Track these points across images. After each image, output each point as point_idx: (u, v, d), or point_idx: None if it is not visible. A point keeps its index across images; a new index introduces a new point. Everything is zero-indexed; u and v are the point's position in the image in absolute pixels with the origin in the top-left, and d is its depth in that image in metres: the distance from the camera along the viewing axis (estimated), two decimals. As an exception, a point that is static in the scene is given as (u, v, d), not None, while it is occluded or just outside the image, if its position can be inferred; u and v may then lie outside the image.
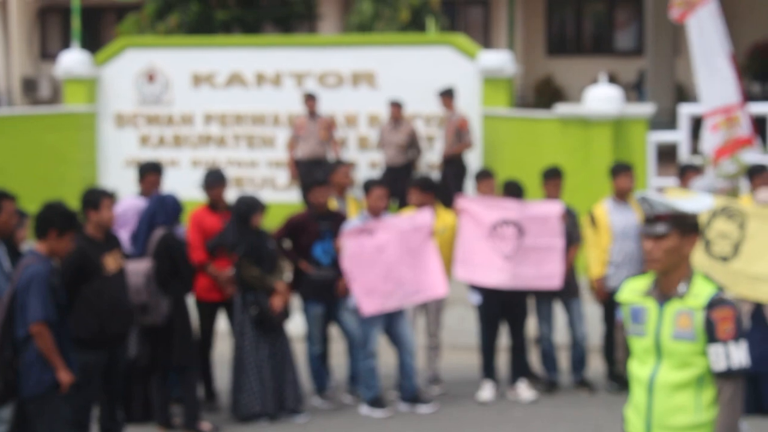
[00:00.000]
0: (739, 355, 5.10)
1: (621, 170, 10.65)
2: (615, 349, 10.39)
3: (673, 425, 5.17)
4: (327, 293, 10.24)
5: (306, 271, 10.22)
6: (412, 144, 15.44)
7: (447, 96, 15.23)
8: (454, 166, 15.21)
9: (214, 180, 10.24)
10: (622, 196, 10.61)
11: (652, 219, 5.22)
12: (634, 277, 5.58)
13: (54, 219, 7.67)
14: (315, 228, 10.21)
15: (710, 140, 12.34)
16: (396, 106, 15.32)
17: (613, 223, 10.50)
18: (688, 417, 5.15)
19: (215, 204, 10.21)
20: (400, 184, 14.38)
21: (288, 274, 10.14)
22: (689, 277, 5.23)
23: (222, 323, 10.42)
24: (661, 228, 5.17)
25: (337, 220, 10.27)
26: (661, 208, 5.19)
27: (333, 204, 10.64)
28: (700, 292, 5.18)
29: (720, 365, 5.10)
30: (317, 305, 10.30)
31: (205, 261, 9.98)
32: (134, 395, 9.72)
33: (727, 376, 5.10)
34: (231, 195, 10.60)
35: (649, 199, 5.21)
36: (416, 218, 10.26)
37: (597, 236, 10.54)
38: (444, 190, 13.30)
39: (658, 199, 5.20)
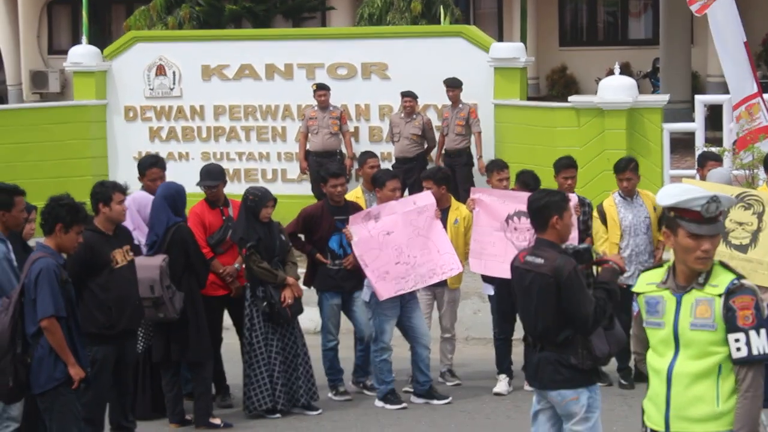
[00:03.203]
0: (760, 342, 5.07)
1: (619, 170, 10.53)
2: (630, 342, 10.32)
3: (692, 416, 5.14)
4: (343, 285, 10.14)
5: (322, 262, 10.14)
6: (425, 135, 15.35)
7: (459, 86, 15.11)
8: (463, 156, 15.11)
9: (213, 176, 10.11)
10: (625, 193, 10.50)
11: (714, 218, 5.11)
12: (647, 269, 5.47)
13: (60, 213, 7.61)
14: (330, 220, 10.13)
15: (735, 130, 12.33)
16: (410, 98, 15.22)
17: (622, 218, 10.41)
18: (708, 407, 5.12)
19: (215, 200, 10.09)
20: (412, 176, 14.36)
21: (295, 268, 10.01)
22: (708, 267, 5.16)
23: (226, 318, 10.32)
24: (721, 226, 5.10)
25: (352, 211, 10.18)
26: (728, 205, 5.13)
27: (356, 195, 10.57)
28: (719, 281, 5.14)
29: (741, 353, 5.07)
30: (334, 297, 10.23)
31: (208, 257, 9.86)
32: (144, 390, 9.65)
33: (748, 363, 5.07)
34: (241, 188, 10.51)
35: (721, 198, 5.10)
36: (418, 200, 10.20)
37: (607, 230, 10.44)
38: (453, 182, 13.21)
39: (726, 196, 5.11)
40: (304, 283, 10.46)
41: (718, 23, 12.22)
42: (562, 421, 6.86)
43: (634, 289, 5.42)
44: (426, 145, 15.39)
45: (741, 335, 5.05)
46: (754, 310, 5.05)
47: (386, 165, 14.68)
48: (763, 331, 5.07)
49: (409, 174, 14.46)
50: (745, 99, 12.17)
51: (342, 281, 10.17)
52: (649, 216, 10.40)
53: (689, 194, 5.08)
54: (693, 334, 5.11)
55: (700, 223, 5.09)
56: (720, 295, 5.09)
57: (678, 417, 5.15)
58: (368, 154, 11.31)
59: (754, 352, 5.04)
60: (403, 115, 15.35)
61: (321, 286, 10.29)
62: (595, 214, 10.55)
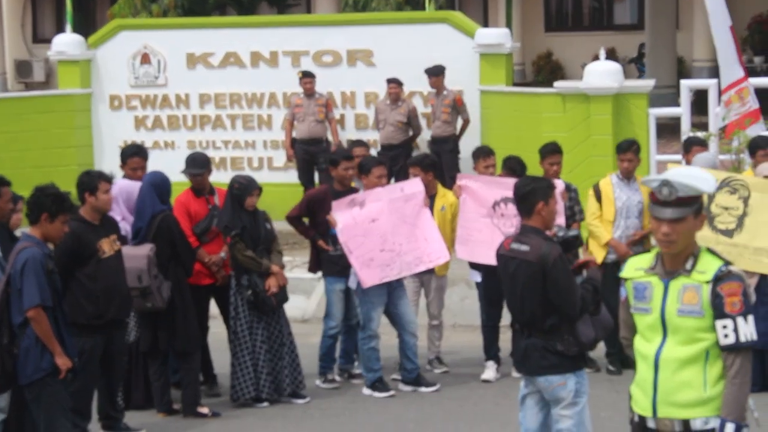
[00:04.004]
0: (747, 329, 5.06)
1: (621, 150, 10.56)
2: (618, 327, 10.32)
3: (679, 401, 5.13)
4: (347, 270, 10.12)
5: (324, 248, 10.12)
6: (410, 122, 15.33)
7: (439, 74, 15.08)
8: (449, 143, 15.10)
9: (198, 164, 10.06)
10: (625, 174, 10.51)
11: (671, 202, 5.08)
12: (636, 254, 5.48)
13: (45, 203, 7.59)
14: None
15: (721, 115, 12.37)
16: (395, 84, 15.20)
17: (616, 198, 10.42)
18: (695, 393, 5.11)
19: (200, 188, 10.05)
20: (397, 163, 14.34)
21: (281, 257, 9.99)
22: (696, 254, 5.16)
23: (212, 307, 10.29)
24: (681, 211, 5.05)
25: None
26: (687, 191, 5.05)
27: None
28: (706, 267, 5.12)
29: (728, 339, 5.06)
30: (338, 282, 10.21)
31: (194, 246, 9.82)
32: (134, 380, 9.63)
33: (735, 350, 5.07)
34: (227, 176, 10.47)
35: (673, 182, 5.06)
36: (406, 186, 10.18)
37: (601, 210, 10.46)
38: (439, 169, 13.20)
39: (684, 182, 5.05)
40: (309, 270, 10.48)
41: (712, 9, 12.26)
42: (549, 405, 6.89)
43: (622, 275, 5.41)
44: (411, 132, 15.38)
45: (728, 322, 5.04)
46: (741, 297, 5.05)
47: (372, 152, 14.68)
48: (750, 317, 5.07)
49: (394, 161, 14.45)
50: (734, 83, 12.21)
51: (345, 266, 10.11)
52: (643, 201, 10.40)
53: (651, 176, 5.11)
54: (680, 320, 5.10)
55: (659, 205, 5.09)
56: (708, 282, 5.08)
57: (665, 402, 5.15)
58: (357, 143, 11.30)
59: (742, 338, 5.04)
60: (388, 101, 15.32)
61: (325, 271, 10.30)
62: (590, 192, 10.56)
